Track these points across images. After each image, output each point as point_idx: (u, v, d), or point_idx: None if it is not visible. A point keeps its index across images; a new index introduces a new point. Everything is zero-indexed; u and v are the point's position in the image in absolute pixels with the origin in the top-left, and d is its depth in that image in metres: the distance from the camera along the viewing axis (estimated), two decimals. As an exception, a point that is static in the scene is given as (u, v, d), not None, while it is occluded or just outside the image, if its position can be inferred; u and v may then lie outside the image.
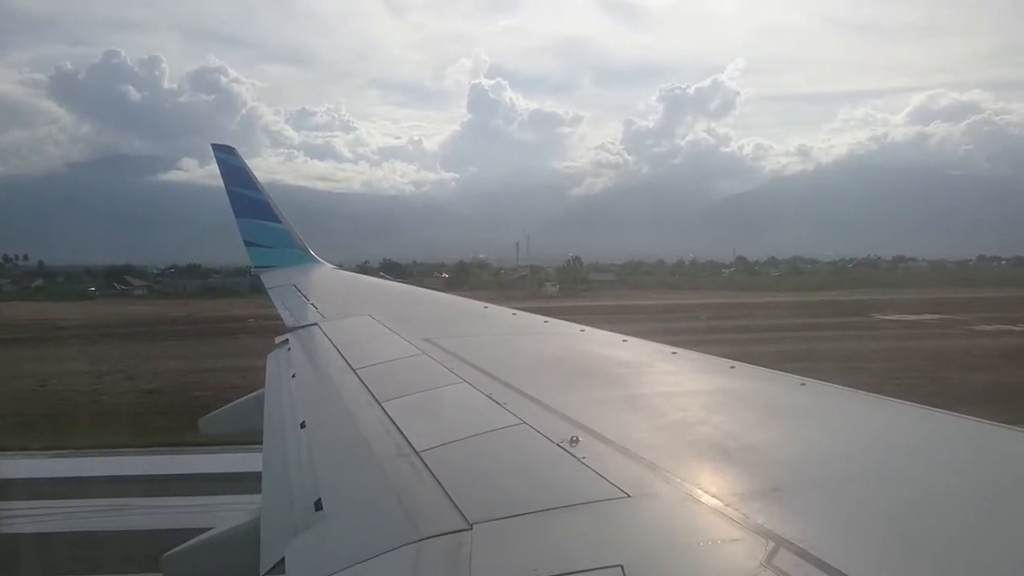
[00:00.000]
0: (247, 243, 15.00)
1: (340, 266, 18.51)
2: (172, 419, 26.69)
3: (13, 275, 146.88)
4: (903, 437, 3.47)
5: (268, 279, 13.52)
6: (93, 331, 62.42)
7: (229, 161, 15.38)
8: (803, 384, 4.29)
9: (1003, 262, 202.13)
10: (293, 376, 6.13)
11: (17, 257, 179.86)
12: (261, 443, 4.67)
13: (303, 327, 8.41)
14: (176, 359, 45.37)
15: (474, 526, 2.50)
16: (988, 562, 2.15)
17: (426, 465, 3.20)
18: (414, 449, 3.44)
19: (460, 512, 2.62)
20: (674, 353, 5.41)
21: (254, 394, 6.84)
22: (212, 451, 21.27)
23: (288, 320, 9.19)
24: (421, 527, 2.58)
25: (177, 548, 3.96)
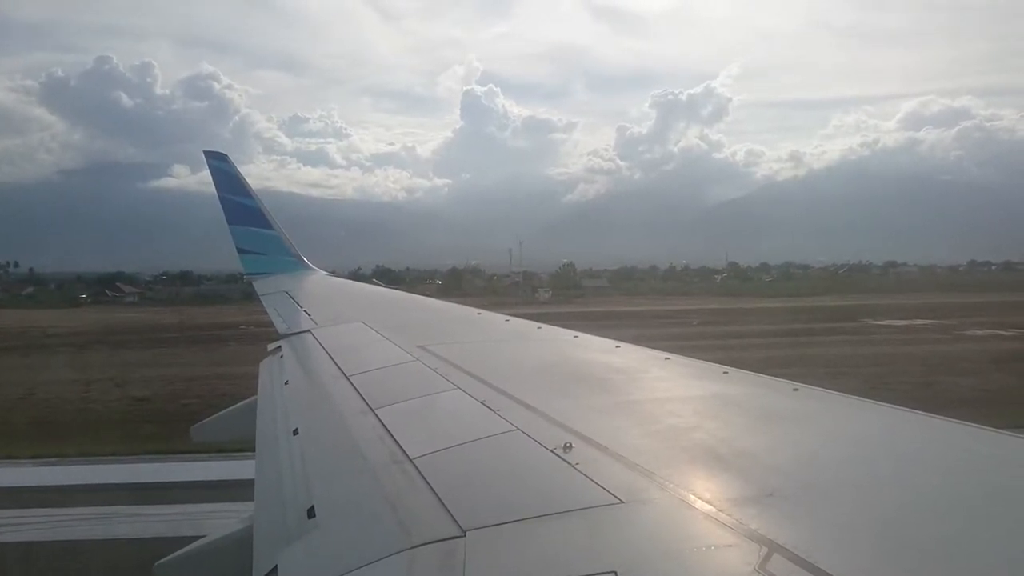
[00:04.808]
0: (240, 250, 14.97)
1: (333, 273, 18.49)
2: (162, 427, 26.54)
3: (4, 282, 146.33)
4: (896, 442, 3.48)
5: (261, 286, 13.49)
6: (83, 338, 62.12)
7: (221, 168, 15.36)
8: (796, 389, 4.29)
9: (993, 267, 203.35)
10: (286, 383, 6.11)
11: (8, 264, 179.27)
12: (253, 450, 4.66)
13: (296, 334, 8.38)
14: (168, 367, 45.18)
15: (468, 533, 2.49)
16: (982, 566, 2.15)
17: (419, 472, 3.19)
18: (407, 456, 3.43)
19: (454, 519, 2.62)
20: (667, 359, 5.41)
21: (246, 401, 6.82)
22: (204, 459, 21.19)
23: (281, 327, 9.16)
24: (414, 534, 2.57)
25: (169, 556, 3.96)
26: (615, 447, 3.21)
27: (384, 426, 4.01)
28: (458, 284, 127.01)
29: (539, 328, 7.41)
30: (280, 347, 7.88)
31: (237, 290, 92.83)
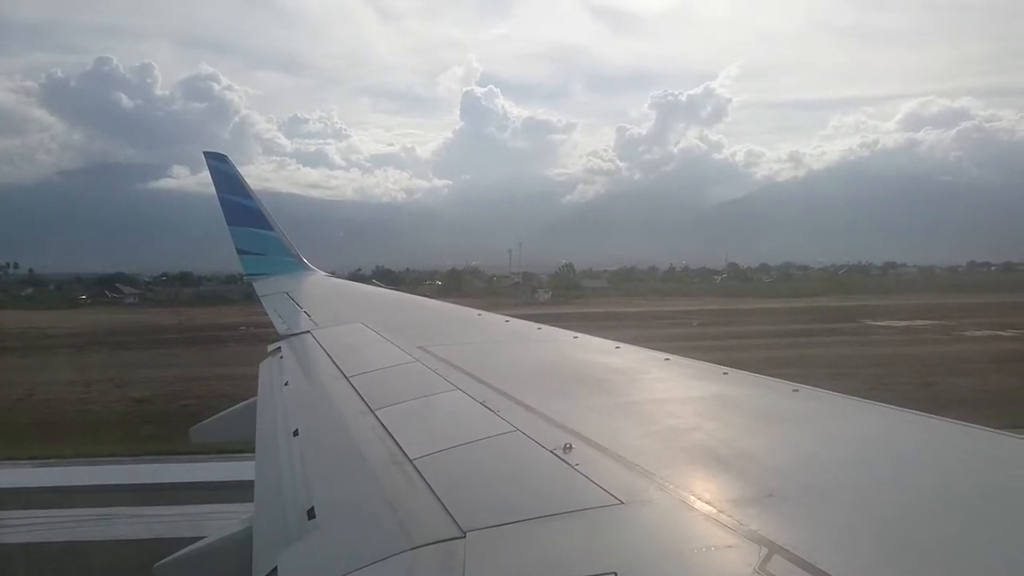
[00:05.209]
0: (240, 251, 14.97)
1: (333, 273, 18.48)
2: (162, 428, 26.52)
3: (3, 283, 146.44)
4: (896, 443, 3.48)
5: (261, 287, 13.50)
6: (83, 339, 62.07)
7: (221, 169, 15.36)
8: (796, 390, 4.29)
9: (993, 268, 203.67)
10: (286, 384, 6.11)
11: (8, 265, 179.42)
12: (253, 451, 4.66)
13: (296, 335, 8.39)
14: (167, 367, 45.13)
15: (468, 534, 2.49)
16: (982, 566, 2.15)
17: (419, 473, 3.19)
18: (407, 457, 3.43)
19: (454, 520, 2.61)
20: (667, 360, 5.41)
21: (246, 402, 6.81)
22: (204, 460, 21.19)
23: (280, 328, 9.16)
24: (414, 535, 2.57)
25: (169, 558, 3.95)
26: (615, 448, 3.21)
27: (384, 427, 4.00)
28: (458, 285, 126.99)
29: (539, 329, 7.40)
30: (280, 348, 7.88)
31: (237, 291, 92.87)
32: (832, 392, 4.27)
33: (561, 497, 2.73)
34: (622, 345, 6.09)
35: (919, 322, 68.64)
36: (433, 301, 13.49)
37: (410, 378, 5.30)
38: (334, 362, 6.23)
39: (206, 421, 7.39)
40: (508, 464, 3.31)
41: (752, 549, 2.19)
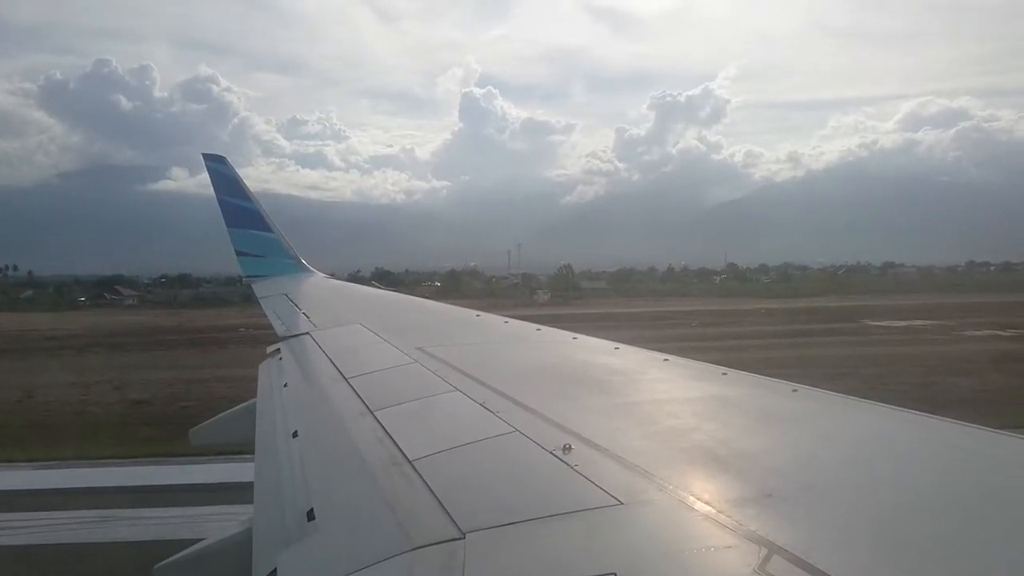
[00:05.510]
0: (238, 253, 14.96)
1: (332, 275, 18.46)
2: (161, 429, 26.49)
3: (2, 285, 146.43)
4: (895, 443, 3.49)
5: (260, 288, 13.49)
6: (82, 341, 62.03)
7: (220, 171, 15.34)
8: (795, 391, 4.29)
9: (992, 267, 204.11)
10: (285, 386, 6.10)
11: (7, 267, 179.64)
12: (253, 453, 4.65)
13: (295, 336, 8.38)
14: (167, 369, 45.07)
15: (467, 535, 2.49)
16: (981, 567, 2.15)
17: (419, 474, 3.19)
18: (407, 458, 3.42)
19: (453, 521, 2.61)
20: (666, 360, 5.41)
21: (245, 404, 6.80)
22: (203, 461, 21.16)
23: (280, 329, 9.16)
24: (414, 537, 2.57)
25: (169, 559, 3.95)
26: (614, 448, 3.21)
27: (383, 428, 4.00)
28: (457, 286, 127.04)
29: (538, 330, 7.39)
30: (279, 349, 7.87)
31: (236, 293, 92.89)
32: (831, 392, 4.27)
33: (560, 498, 2.73)
34: (621, 346, 6.10)
35: (918, 322, 68.66)
36: (432, 302, 13.48)
37: (409, 379, 5.30)
38: (333, 363, 6.22)
39: (205, 423, 7.38)
40: (507, 465, 3.31)
41: (751, 549, 2.19)
